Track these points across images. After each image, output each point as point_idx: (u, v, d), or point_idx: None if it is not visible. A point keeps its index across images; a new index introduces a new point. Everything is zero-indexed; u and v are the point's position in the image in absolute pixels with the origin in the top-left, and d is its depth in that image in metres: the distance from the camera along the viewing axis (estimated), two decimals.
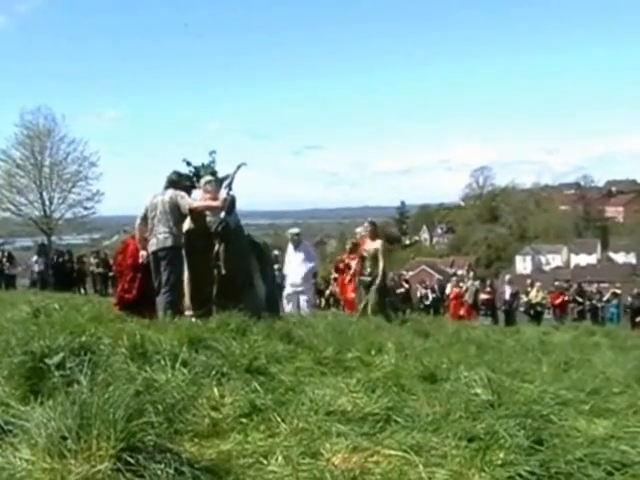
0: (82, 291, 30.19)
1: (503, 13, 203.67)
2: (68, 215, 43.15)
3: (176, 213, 9.78)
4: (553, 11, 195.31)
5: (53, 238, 42.22)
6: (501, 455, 3.69)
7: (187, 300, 9.87)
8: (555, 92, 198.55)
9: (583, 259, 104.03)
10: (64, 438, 3.14)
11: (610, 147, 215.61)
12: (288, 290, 15.41)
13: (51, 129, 42.61)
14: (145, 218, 9.97)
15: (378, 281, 13.95)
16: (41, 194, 42.24)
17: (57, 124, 42.76)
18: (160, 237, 9.71)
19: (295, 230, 15.84)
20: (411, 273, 65.47)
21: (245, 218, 11.04)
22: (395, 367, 6.12)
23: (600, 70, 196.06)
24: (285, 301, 15.20)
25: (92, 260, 31.21)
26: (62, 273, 30.30)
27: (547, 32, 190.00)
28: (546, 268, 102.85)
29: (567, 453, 3.82)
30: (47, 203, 42.40)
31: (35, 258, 30.87)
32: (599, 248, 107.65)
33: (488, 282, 28.69)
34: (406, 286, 29.70)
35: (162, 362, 5.19)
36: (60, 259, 31.24)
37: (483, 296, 26.71)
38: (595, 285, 37.30)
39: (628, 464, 3.79)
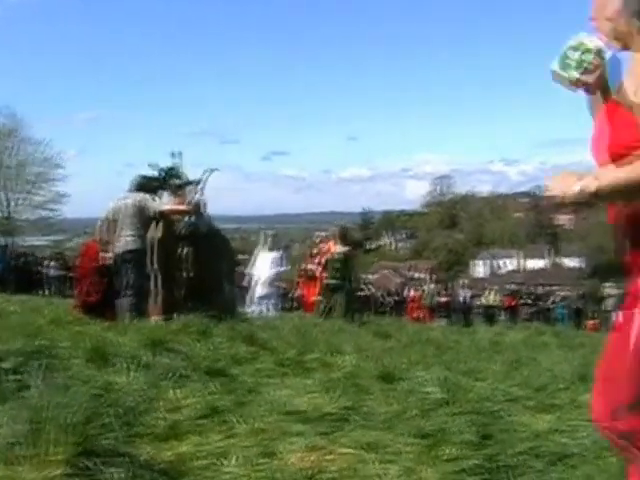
0: (43, 293, 29.69)
1: (467, 23, 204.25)
2: (32, 216, 42.32)
3: (142, 216, 9.73)
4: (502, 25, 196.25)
5: (17, 239, 41.23)
6: (450, 450, 3.82)
7: (153, 305, 9.84)
8: (508, 104, 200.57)
9: (535, 263, 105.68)
10: (14, 444, 3.06)
11: (563, 159, 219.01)
12: (257, 292, 15.16)
13: (13, 129, 41.78)
14: (107, 220, 9.94)
15: (349, 284, 13.91)
16: (2, 195, 41.38)
17: (20, 124, 42.01)
18: (125, 240, 9.65)
19: (271, 231, 15.70)
20: (374, 277, 65.60)
21: (212, 222, 11.05)
22: (354, 368, 6.18)
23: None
24: (253, 303, 15.06)
25: (51, 263, 30.80)
26: (23, 275, 29.85)
27: (506, 45, 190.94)
28: (501, 272, 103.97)
29: (512, 447, 3.99)
30: (9, 204, 41.52)
31: None
32: (550, 253, 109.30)
33: (446, 285, 29.05)
34: (368, 289, 29.86)
35: (122, 365, 5.15)
36: (21, 260, 30.80)
37: (441, 299, 27.04)
38: (546, 288, 37.85)
39: (568, 455, 3.98)
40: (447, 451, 3.83)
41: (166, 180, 10.53)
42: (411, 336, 12.38)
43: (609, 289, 27.19)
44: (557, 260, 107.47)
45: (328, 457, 3.74)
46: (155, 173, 10.69)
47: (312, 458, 3.68)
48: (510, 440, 4.17)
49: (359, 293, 27.20)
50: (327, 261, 14.67)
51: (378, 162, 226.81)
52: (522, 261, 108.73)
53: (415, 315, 26.17)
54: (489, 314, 27.37)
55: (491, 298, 28.26)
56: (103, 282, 9.96)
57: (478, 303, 28.19)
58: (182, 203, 10.08)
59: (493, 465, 3.73)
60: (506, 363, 8.11)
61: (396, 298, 30.20)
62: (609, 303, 26.35)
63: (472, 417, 4.43)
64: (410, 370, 6.31)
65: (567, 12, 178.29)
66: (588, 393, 5.54)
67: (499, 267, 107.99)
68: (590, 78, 2.56)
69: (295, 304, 26.24)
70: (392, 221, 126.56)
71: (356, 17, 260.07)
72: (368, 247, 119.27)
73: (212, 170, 10.35)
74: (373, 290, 31.09)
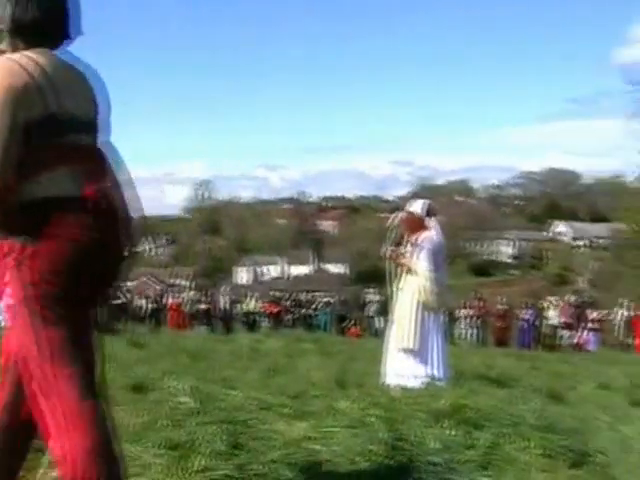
0: None
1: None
2: None
3: None
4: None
5: None
6: (200, 461, 3.71)
7: None
8: (269, 109, 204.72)
9: (299, 270, 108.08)
10: None
11: (326, 165, 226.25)
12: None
13: None
14: None
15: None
16: None
17: None
18: None
19: None
20: (132, 283, 64.44)
21: None
22: (104, 379, 5.97)
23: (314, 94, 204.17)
24: None
25: None
26: None
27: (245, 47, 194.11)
28: (264, 278, 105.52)
29: (264, 455, 3.93)
30: None
31: None
32: (313, 259, 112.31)
33: (207, 292, 28.95)
34: (125, 296, 29.21)
35: None
36: None
37: (201, 306, 26.95)
38: (310, 294, 38.73)
39: (319, 462, 3.98)
40: (197, 462, 3.73)
41: None
42: (167, 345, 12.26)
43: (371, 295, 28.10)
44: (321, 266, 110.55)
45: None
46: None
47: (53, 474, 3.40)
48: (262, 448, 4.11)
49: (116, 301, 26.58)
50: None
51: (138, 166, 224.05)
52: (286, 267, 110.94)
53: (174, 323, 25.95)
54: (250, 321, 27.62)
55: (252, 305, 28.49)
56: None
57: (239, 310, 28.33)
58: None
59: (244, 474, 3.68)
60: (263, 371, 8.14)
61: (155, 305, 29.74)
62: (371, 309, 27.33)
63: (223, 426, 4.35)
64: (162, 380, 6.18)
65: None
66: (345, 399, 5.68)
67: (262, 273, 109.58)
68: None
69: None
70: (152, 227, 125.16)
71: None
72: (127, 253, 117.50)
73: None
74: (131, 297, 30.43)
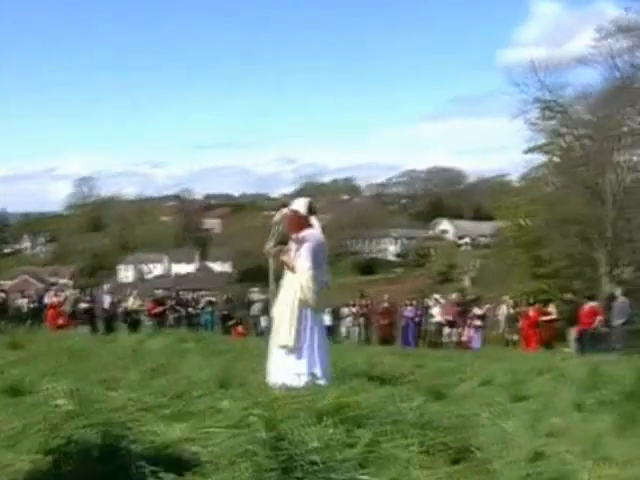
0: None
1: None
2: None
3: None
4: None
5: None
6: (74, 466, 3.65)
7: None
8: (154, 105, 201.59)
9: (183, 268, 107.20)
10: None
11: (210, 162, 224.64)
12: None
13: None
14: None
15: None
16: None
17: None
18: None
19: None
20: (12, 282, 62.90)
21: None
22: None
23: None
24: None
25: None
26: None
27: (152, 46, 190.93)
28: (148, 277, 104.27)
29: (140, 458, 3.88)
30: None
31: None
32: (198, 257, 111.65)
33: (89, 291, 28.38)
34: (2, 295, 28.40)
35: None
36: None
37: (83, 305, 26.40)
38: (194, 293, 38.46)
39: (199, 463, 3.95)
40: (72, 467, 3.65)
41: None
42: (47, 345, 11.96)
43: (256, 294, 28.05)
44: (206, 264, 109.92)
45: None
46: None
47: None
48: (139, 451, 4.05)
49: None
50: None
51: (19, 161, 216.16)
52: (170, 265, 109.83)
53: (55, 323, 25.32)
54: (133, 320, 27.20)
55: (135, 304, 28.06)
56: None
57: (122, 309, 27.86)
58: None
59: (119, 477, 3.62)
60: (144, 371, 8.02)
61: (36, 305, 28.95)
62: (256, 308, 27.27)
63: (101, 429, 4.25)
64: (39, 382, 6.01)
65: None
66: (226, 399, 5.65)
67: (146, 272, 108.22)
68: None
69: None
70: (32, 224, 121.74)
71: None
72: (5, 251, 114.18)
73: None
74: (9, 296, 29.56)
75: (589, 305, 21.83)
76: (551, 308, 23.96)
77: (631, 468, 4.91)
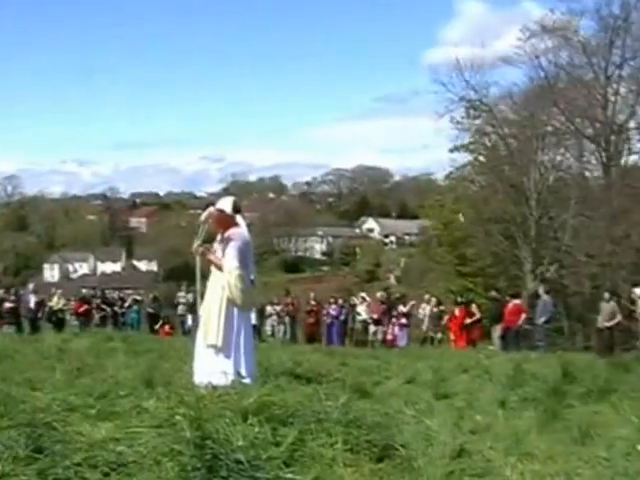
0: None
1: None
2: None
3: None
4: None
5: None
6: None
7: None
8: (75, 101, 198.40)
9: (109, 267, 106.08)
10: None
11: (137, 161, 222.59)
12: None
13: None
14: None
15: None
16: None
17: None
18: None
19: None
20: None
21: None
22: None
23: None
24: None
25: None
26: None
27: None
28: (74, 276, 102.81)
29: (67, 459, 3.85)
30: None
31: None
32: (124, 256, 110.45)
33: (13, 290, 27.80)
34: None
35: None
36: None
37: (7, 305, 25.89)
38: (120, 292, 38.01)
39: (124, 464, 3.94)
40: None
41: None
42: None
43: (182, 293, 27.75)
44: (132, 263, 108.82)
45: None
46: None
47: None
48: (64, 452, 4.01)
49: None
50: None
51: None
52: (96, 264, 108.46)
53: None
54: (59, 320, 26.77)
55: (60, 303, 27.60)
56: None
57: (47, 309, 27.38)
58: None
59: (44, 478, 3.58)
60: (69, 371, 7.94)
61: None
62: (182, 307, 27.04)
63: (24, 430, 4.20)
64: None
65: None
66: (152, 399, 5.63)
67: (72, 271, 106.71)
68: None
69: None
70: None
71: None
72: None
73: None
74: None
75: (513, 303, 22.11)
76: (474, 308, 24.26)
77: (553, 463, 5.04)
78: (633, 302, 20.74)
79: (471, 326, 23.36)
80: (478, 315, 23.84)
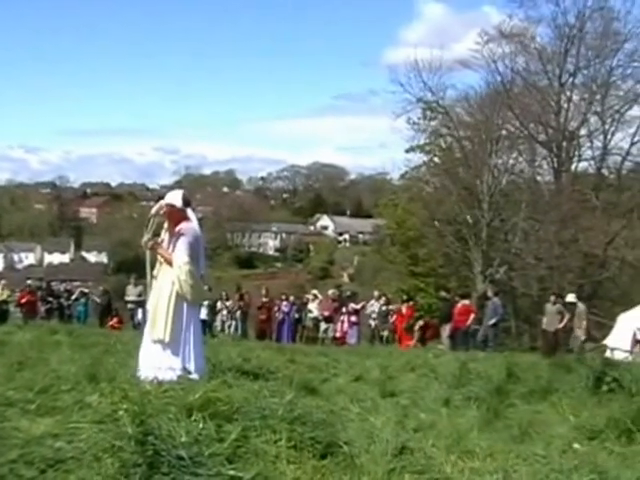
0: None
1: None
2: None
3: None
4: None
5: None
6: None
7: None
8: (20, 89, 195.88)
9: (57, 258, 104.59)
10: None
11: (88, 150, 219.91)
12: None
13: None
14: None
15: None
16: None
17: None
18: None
19: None
20: None
21: None
22: None
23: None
24: None
25: None
26: None
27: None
28: (19, 266, 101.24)
29: (2, 455, 3.77)
30: None
31: None
32: (73, 247, 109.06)
33: None
34: None
35: None
36: None
37: None
38: (67, 283, 37.53)
39: (62, 460, 3.86)
40: None
41: None
42: None
43: (132, 286, 27.47)
44: (81, 254, 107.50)
45: None
46: None
47: None
48: (1, 448, 3.91)
49: None
50: None
51: None
52: (43, 255, 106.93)
53: None
54: (2, 311, 26.32)
55: (4, 294, 27.15)
56: None
57: None
58: None
59: None
60: (10, 364, 7.79)
61: None
62: (132, 301, 26.75)
63: None
64: None
65: None
66: (95, 394, 5.54)
67: (17, 261, 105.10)
68: None
69: None
70: None
71: None
72: None
73: None
74: None
75: (462, 303, 22.29)
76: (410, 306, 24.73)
77: (492, 461, 5.07)
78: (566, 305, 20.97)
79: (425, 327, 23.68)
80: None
